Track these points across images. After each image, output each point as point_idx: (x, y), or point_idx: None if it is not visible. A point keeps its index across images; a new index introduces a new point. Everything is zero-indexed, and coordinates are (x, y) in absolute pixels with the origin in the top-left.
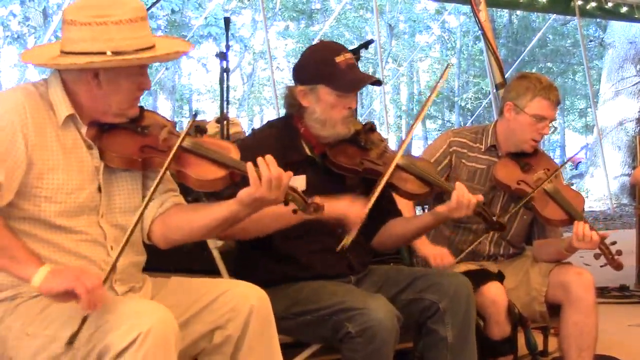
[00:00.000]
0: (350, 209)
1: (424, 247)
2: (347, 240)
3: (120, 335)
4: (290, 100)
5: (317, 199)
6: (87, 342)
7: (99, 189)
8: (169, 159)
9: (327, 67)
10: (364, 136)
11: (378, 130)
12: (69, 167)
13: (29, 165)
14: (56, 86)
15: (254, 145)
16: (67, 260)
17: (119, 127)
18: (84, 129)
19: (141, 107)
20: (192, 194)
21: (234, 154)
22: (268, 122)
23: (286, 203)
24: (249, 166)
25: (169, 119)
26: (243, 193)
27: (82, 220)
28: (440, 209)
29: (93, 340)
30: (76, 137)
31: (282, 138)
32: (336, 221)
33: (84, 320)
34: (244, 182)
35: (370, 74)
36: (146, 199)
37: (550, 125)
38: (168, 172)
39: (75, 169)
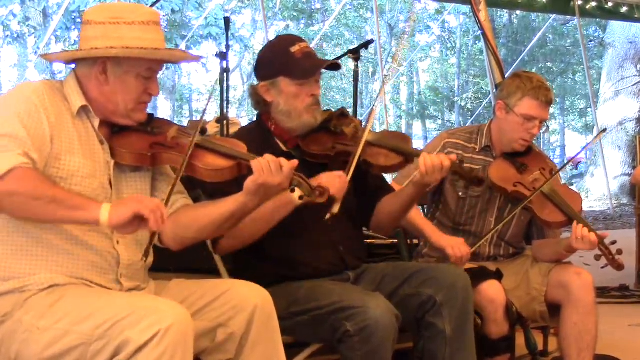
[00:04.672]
0: (331, 179)
1: (439, 238)
2: (335, 208)
3: (140, 330)
4: (255, 98)
5: (323, 183)
6: (100, 338)
7: (110, 184)
8: (188, 153)
9: (283, 59)
10: (335, 122)
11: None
12: (85, 154)
13: (51, 143)
14: (70, 81)
15: None
16: (73, 248)
17: (129, 128)
18: (96, 122)
19: (151, 114)
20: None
21: (242, 148)
22: (241, 127)
23: (292, 190)
24: (253, 156)
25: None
26: (248, 181)
27: None
28: (414, 177)
29: (107, 337)
30: (89, 129)
31: (256, 139)
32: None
33: (153, 235)
34: (251, 174)
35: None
36: (170, 188)
37: (543, 124)
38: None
39: (89, 156)
